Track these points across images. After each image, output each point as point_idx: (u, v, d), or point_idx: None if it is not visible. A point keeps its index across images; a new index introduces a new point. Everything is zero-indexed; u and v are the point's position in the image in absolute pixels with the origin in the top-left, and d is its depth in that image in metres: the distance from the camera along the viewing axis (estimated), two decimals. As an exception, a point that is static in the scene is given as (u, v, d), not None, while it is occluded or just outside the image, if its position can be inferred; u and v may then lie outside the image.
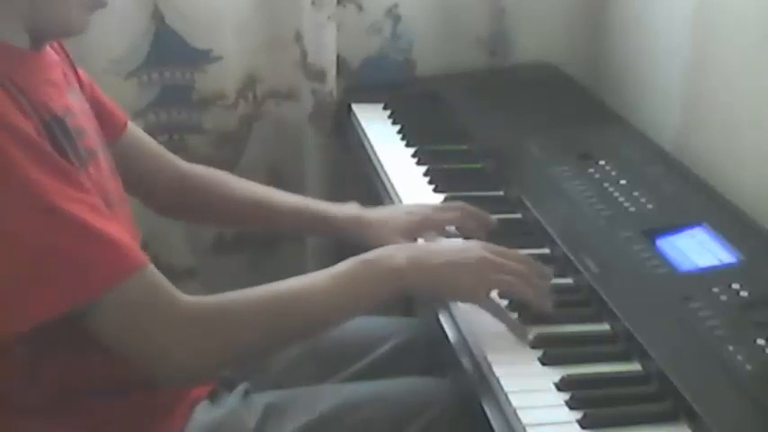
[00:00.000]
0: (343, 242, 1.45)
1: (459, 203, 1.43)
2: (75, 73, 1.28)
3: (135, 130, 1.44)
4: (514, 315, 1.19)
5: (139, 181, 1.42)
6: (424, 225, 1.40)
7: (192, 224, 1.88)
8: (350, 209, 1.45)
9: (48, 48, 1.18)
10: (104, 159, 1.21)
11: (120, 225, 1.08)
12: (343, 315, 1.19)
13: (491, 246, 1.22)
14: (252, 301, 1.12)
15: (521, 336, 1.16)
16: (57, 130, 1.09)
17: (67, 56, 1.27)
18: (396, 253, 1.19)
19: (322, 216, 1.45)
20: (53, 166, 1.03)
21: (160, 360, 1.07)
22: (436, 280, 1.18)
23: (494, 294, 1.21)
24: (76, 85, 1.25)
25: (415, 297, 1.25)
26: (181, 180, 1.47)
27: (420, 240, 1.38)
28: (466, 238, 1.37)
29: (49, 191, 1.01)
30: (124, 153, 1.37)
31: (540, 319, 1.19)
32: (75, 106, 1.17)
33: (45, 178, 1.01)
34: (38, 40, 1.15)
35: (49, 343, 1.09)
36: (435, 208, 1.44)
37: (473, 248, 1.21)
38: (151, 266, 1.06)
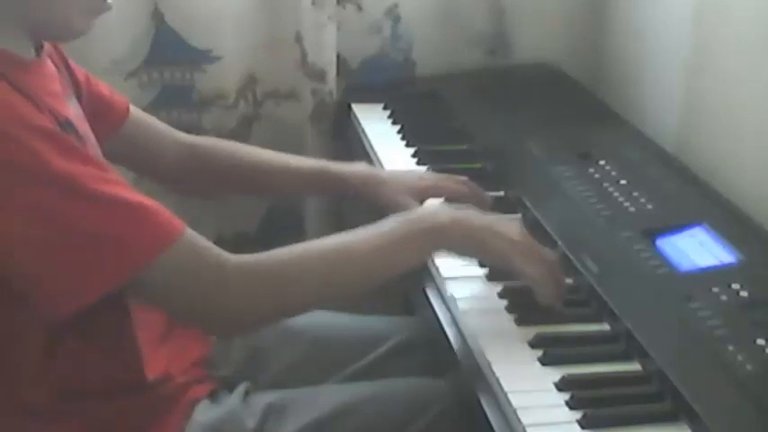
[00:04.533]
0: (356, 200, 1.50)
1: (464, 178, 1.47)
2: (71, 74, 1.29)
3: (137, 112, 1.45)
4: (514, 315, 1.20)
5: (151, 160, 1.46)
6: (433, 191, 1.45)
7: (192, 214, 1.87)
8: (361, 168, 1.51)
9: (47, 59, 1.19)
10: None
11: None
12: (389, 270, 1.18)
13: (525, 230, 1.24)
14: (301, 256, 1.15)
15: (556, 299, 1.19)
16: (70, 131, 1.11)
17: (63, 58, 1.28)
18: (438, 211, 1.22)
19: (335, 176, 1.49)
20: (77, 153, 1.05)
21: (211, 318, 1.12)
22: (476, 240, 1.19)
23: (493, 294, 1.22)
24: (73, 96, 1.25)
25: (454, 254, 1.25)
26: (189, 152, 1.49)
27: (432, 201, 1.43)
28: None
29: (80, 176, 1.03)
30: (131, 135, 1.40)
31: (540, 318, 1.19)
32: (75, 116, 1.19)
33: (73, 165, 1.03)
34: (39, 45, 1.16)
35: (54, 344, 1.10)
36: (444, 177, 1.49)
37: (514, 224, 1.23)
38: (190, 231, 1.09)
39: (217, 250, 1.10)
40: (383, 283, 1.19)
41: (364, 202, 1.47)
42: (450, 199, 1.43)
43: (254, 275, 1.11)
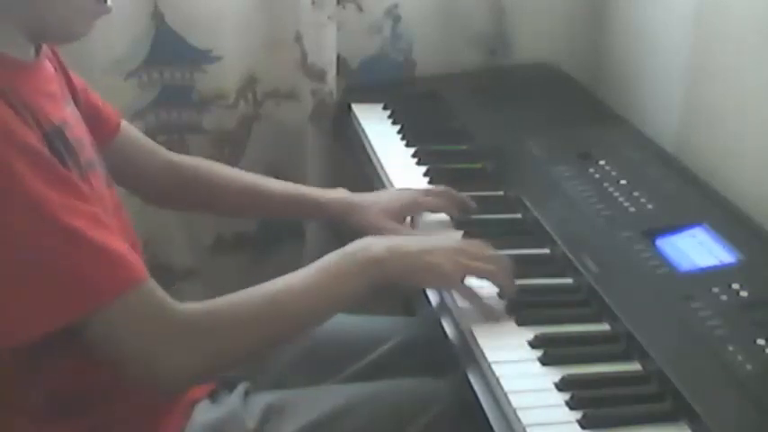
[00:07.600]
0: (336, 226, 1.52)
1: (444, 188, 1.49)
2: (69, 81, 1.28)
3: (128, 128, 1.45)
4: (514, 315, 1.20)
5: (136, 176, 1.45)
6: (411, 208, 1.47)
7: (192, 215, 1.90)
8: (338, 193, 1.51)
9: (45, 61, 1.19)
10: (100, 170, 1.22)
11: (119, 237, 1.08)
12: (330, 308, 1.19)
13: (466, 239, 1.25)
14: (242, 305, 1.13)
15: (493, 319, 1.19)
16: (58, 141, 1.09)
17: (60, 63, 1.27)
18: (373, 243, 1.21)
19: (312, 201, 1.50)
20: (57, 177, 1.04)
21: (152, 369, 1.07)
22: (413, 267, 1.20)
23: (493, 294, 1.22)
24: (70, 98, 1.25)
25: (394, 286, 1.24)
26: (173, 171, 1.49)
27: (407, 219, 1.46)
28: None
29: (52, 205, 1.01)
30: (119, 150, 1.39)
31: (539, 319, 1.19)
32: (71, 118, 1.18)
33: (49, 192, 1.01)
34: (38, 47, 1.15)
35: (49, 347, 1.09)
36: (423, 192, 1.49)
37: (448, 238, 1.25)
38: (149, 280, 1.07)
39: (168, 300, 1.08)
40: (329, 317, 1.20)
41: (345, 228, 1.47)
42: (432, 212, 1.46)
43: (197, 328, 1.09)
